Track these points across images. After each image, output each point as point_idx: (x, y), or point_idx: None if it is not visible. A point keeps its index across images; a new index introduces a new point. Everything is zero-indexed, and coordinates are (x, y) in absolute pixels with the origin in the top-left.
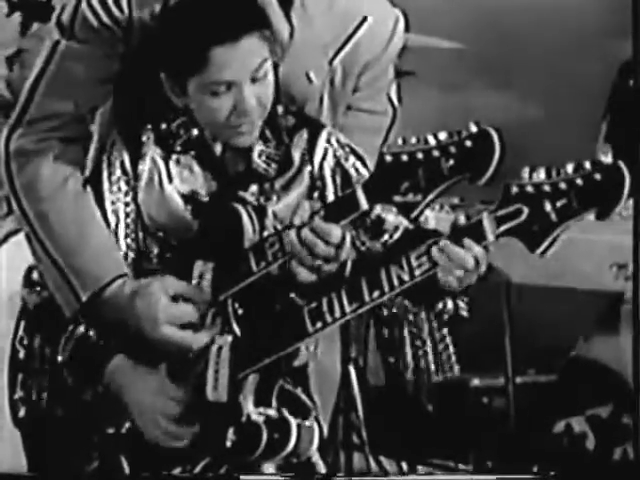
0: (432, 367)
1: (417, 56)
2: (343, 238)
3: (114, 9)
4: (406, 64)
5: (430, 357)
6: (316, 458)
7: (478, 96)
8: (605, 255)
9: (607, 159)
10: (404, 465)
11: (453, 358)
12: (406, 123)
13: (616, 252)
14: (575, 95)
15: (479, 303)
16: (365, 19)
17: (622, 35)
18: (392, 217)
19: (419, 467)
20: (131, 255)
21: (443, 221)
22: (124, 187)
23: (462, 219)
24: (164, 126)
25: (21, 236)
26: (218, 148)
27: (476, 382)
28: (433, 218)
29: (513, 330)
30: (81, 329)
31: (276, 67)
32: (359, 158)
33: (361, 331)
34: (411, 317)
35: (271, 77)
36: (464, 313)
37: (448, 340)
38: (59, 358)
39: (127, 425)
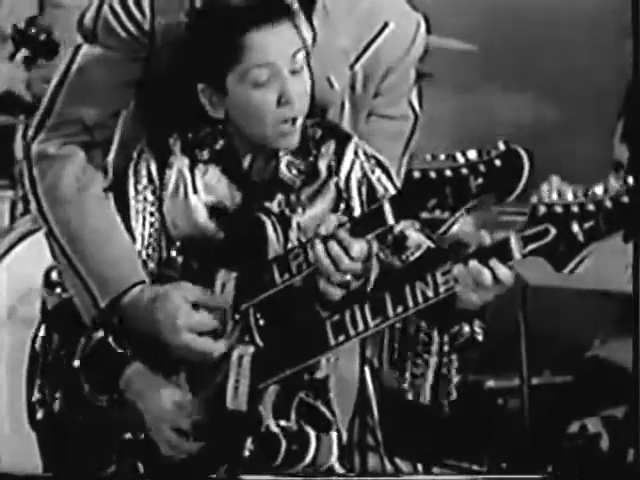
0: (427, 392)
1: (431, 57)
2: (369, 253)
3: (136, 13)
4: (421, 66)
5: (428, 383)
6: (337, 467)
7: (492, 98)
8: (620, 256)
9: (623, 159)
10: (419, 466)
11: (453, 385)
12: (420, 125)
13: (631, 253)
14: (591, 95)
15: (494, 304)
16: (387, 24)
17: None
18: (415, 235)
19: (434, 468)
20: (154, 264)
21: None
22: (150, 197)
23: (487, 240)
24: (191, 135)
25: (22, 246)
26: (247, 158)
27: (491, 383)
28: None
29: (528, 331)
30: (99, 334)
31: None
32: (385, 171)
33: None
34: (422, 336)
35: (307, 72)
36: (479, 338)
37: (454, 366)
38: (76, 362)
39: (145, 432)
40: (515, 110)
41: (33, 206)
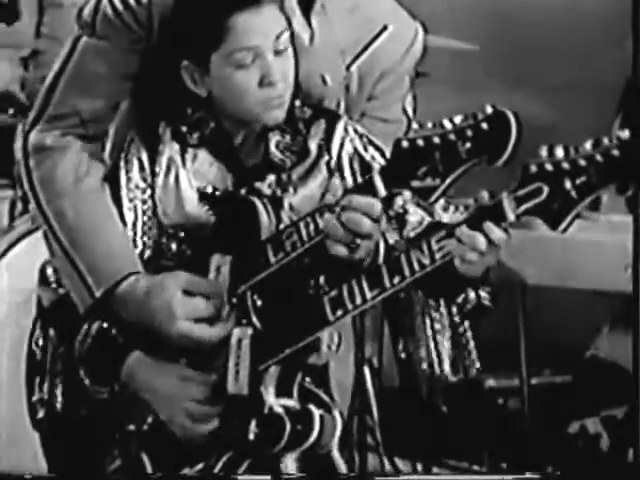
0: (447, 367)
1: (431, 57)
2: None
3: (134, 6)
4: (421, 65)
5: (446, 354)
6: (337, 457)
7: (492, 97)
8: (620, 256)
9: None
10: (419, 466)
11: (474, 354)
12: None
13: (630, 253)
14: (590, 94)
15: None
16: (385, 28)
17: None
18: (416, 211)
19: (434, 468)
20: (148, 252)
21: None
22: (141, 184)
23: (486, 197)
24: (181, 122)
25: (21, 246)
26: (237, 139)
27: (491, 383)
28: (447, 219)
29: (528, 331)
30: (96, 327)
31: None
32: (377, 148)
33: (376, 329)
34: (432, 312)
35: (291, 51)
36: (487, 302)
37: (469, 335)
38: (75, 357)
39: (148, 422)
40: (514, 109)
41: (29, 196)
